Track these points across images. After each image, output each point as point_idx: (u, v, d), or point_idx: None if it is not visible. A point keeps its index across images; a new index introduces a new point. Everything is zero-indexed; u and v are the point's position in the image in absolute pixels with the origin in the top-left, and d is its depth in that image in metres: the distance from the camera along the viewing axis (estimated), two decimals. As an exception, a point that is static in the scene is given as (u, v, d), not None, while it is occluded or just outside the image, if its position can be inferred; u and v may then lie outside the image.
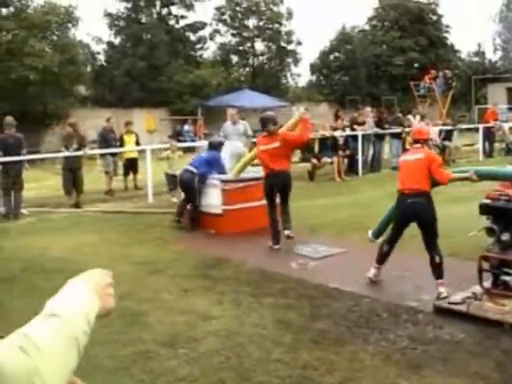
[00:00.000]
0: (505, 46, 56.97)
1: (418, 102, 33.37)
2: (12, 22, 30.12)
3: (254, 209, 12.02)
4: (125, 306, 7.77)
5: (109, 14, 41.07)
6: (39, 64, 28.97)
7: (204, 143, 17.72)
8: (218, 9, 46.21)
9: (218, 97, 36.25)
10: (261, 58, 47.68)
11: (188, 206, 12.77)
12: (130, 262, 9.94)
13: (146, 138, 24.79)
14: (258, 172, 11.82)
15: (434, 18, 52.48)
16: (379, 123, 22.57)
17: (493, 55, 58.12)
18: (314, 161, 20.08)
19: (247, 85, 41.66)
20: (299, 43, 47.29)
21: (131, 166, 18.99)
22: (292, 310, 7.52)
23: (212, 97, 36.98)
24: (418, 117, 24.19)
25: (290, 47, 47.22)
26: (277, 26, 46.49)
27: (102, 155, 18.87)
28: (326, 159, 20.12)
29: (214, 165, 12.81)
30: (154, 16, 41.91)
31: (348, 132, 21.67)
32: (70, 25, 33.28)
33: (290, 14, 46.69)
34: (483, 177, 8.53)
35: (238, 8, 46.22)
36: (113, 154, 18.56)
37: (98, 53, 41.84)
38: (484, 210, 7.82)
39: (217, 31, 46.40)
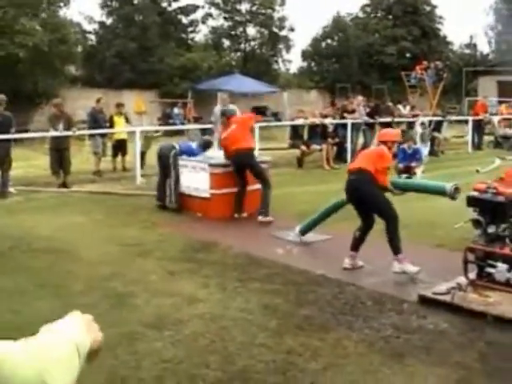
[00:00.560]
0: (497, 38, 57.00)
1: (409, 93, 33.35)
2: (2, -1, 29.90)
3: (242, 194, 12.11)
4: (111, 287, 7.81)
5: (101, -6, 40.86)
6: (29, 42, 28.73)
7: (193, 126, 17.76)
8: (210, -8, 46.04)
9: (209, 80, 36.14)
10: (252, 43, 47.50)
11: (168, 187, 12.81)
12: (117, 244, 9.95)
13: (136, 120, 24.67)
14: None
15: (428, 8, 52.43)
16: (373, 113, 22.57)
17: (484, 48, 58.26)
18: (303, 147, 20.10)
19: (238, 69, 41.55)
20: (292, 29, 47.15)
21: (120, 147, 18.94)
22: (278, 295, 7.55)
23: (202, 80, 36.86)
24: (407, 107, 24.24)
25: (283, 33, 47.06)
26: (269, 11, 46.29)
27: (92, 136, 18.82)
28: (315, 146, 20.14)
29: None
30: (147, -3, 41.71)
31: (338, 120, 21.67)
32: (61, 3, 33.06)
33: (283, 0, 46.56)
34: (404, 189, 8.84)
35: (230, -8, 46.08)
36: (102, 135, 18.53)
37: (90, 32, 41.59)
38: (471, 202, 7.87)
39: (209, 15, 46.15)
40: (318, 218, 10.15)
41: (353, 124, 21.46)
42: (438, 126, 24.25)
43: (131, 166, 17.77)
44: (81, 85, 38.29)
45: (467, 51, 57.71)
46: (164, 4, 42.77)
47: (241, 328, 6.50)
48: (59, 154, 15.85)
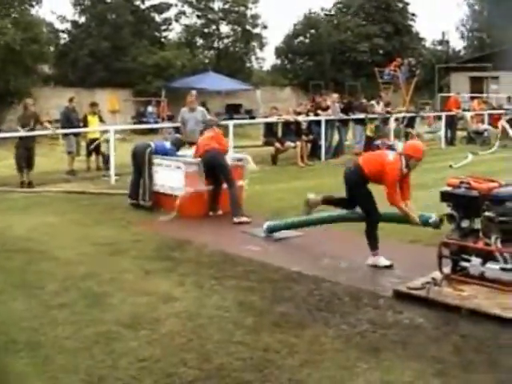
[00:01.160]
0: (469, 35, 57.37)
1: (382, 89, 33.41)
2: (-28, -3, 29.67)
3: (216, 192, 12.10)
4: (86, 287, 7.77)
5: (74, -7, 40.56)
6: (1, 41, 28.49)
7: (167, 125, 17.73)
8: (183, -10, 45.89)
9: (182, 79, 36.06)
10: (226, 40, 47.42)
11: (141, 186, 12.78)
12: (91, 243, 9.91)
13: (109, 119, 24.60)
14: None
15: (400, 5, 52.63)
16: (347, 110, 22.64)
17: (456, 44, 58.64)
18: (277, 145, 20.12)
19: (212, 67, 41.48)
20: (265, 27, 47.11)
21: (94, 146, 18.86)
22: (254, 292, 7.55)
23: (176, 78, 36.75)
24: (381, 103, 24.34)
25: (256, 31, 47.02)
26: (242, 8, 46.25)
27: (65, 135, 18.73)
28: (289, 143, 20.17)
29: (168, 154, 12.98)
30: (120, -4, 41.48)
31: (311, 117, 21.70)
32: (33, 2, 32.81)
33: (255, -3, 46.54)
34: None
35: (203, -10, 45.97)
36: (75, 134, 18.44)
37: (62, 31, 41.28)
38: (445, 197, 7.94)
39: (182, 13, 45.98)
40: (294, 224, 10.26)
41: (327, 121, 21.50)
42: (411, 122, 24.37)
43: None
44: (54, 84, 38.03)
45: (439, 48, 58.04)
46: (137, 2, 42.54)
47: (217, 326, 6.50)
48: (27, 153, 15.88)
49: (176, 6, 45.08)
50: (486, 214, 7.53)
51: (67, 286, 7.76)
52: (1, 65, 29.23)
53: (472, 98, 35.80)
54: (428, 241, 9.09)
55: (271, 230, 10.31)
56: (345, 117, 22.32)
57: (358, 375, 5.45)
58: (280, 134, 20.68)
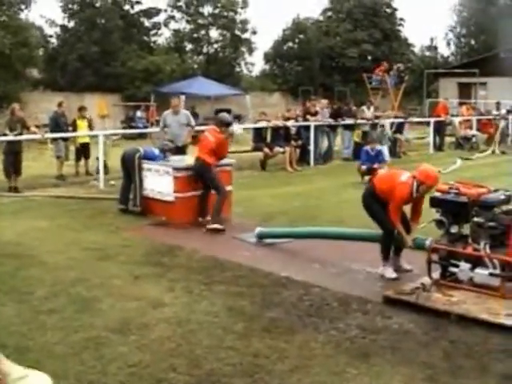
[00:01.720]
0: (457, 40, 57.53)
1: (371, 94, 33.54)
2: (-39, 1, 29.62)
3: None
4: (76, 292, 7.76)
5: (63, -3, 40.48)
6: (-10, 45, 28.54)
7: (156, 130, 17.67)
8: (173, -5, 45.90)
9: (172, 83, 36.05)
10: (215, 45, 47.42)
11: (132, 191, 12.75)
12: (81, 248, 9.89)
13: (98, 124, 24.48)
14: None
15: (389, 11, 52.76)
16: (336, 115, 22.67)
17: (444, 50, 58.74)
18: (266, 150, 20.12)
19: (201, 72, 41.48)
20: (254, 32, 47.17)
21: (83, 151, 18.83)
22: (243, 298, 7.56)
23: (165, 83, 36.74)
24: (371, 108, 24.39)
25: (245, 36, 47.07)
26: (232, 14, 46.30)
27: (54, 140, 18.68)
28: (278, 149, 20.17)
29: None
30: (109, 1, 41.38)
31: (300, 122, 21.71)
32: (22, 6, 32.76)
33: (245, 3, 46.52)
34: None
35: (193, -5, 45.98)
36: (64, 139, 18.41)
37: (51, 36, 41.22)
38: (434, 202, 7.97)
39: (171, 17, 46.00)
40: (281, 232, 10.34)
41: (316, 126, 21.51)
42: (399, 128, 24.43)
43: (94, 169, 17.64)
44: (43, 88, 37.94)
45: (428, 53, 58.18)
46: (126, 7, 42.53)
47: (207, 331, 6.50)
48: (14, 157, 15.84)
49: (165, 11, 45.18)
50: (475, 219, 7.57)
51: (56, 292, 7.74)
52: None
53: (460, 104, 35.94)
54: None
55: (261, 237, 10.35)
56: (334, 122, 22.34)
57: (348, 381, 5.47)
58: (269, 139, 20.67)
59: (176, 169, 12.15)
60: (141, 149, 12.94)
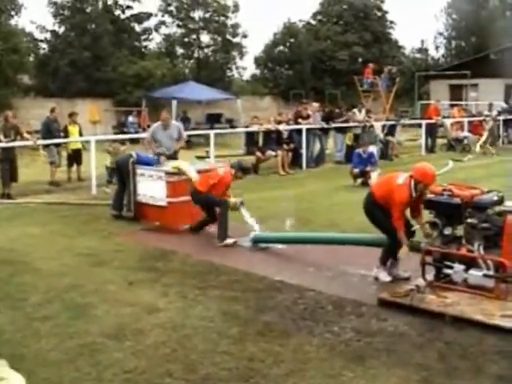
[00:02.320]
0: (447, 43, 57.65)
1: (362, 97, 33.61)
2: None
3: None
4: (70, 299, 7.74)
5: (53, 3, 40.35)
6: (-20, 51, 28.50)
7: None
8: (164, 0, 45.86)
9: (163, 88, 35.97)
10: (206, 50, 47.40)
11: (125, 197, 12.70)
12: (74, 254, 9.88)
13: (90, 129, 24.47)
14: (205, 165, 11.93)
15: (379, 13, 52.84)
16: (328, 118, 22.68)
17: (435, 52, 58.71)
18: (259, 154, 20.13)
19: (192, 77, 41.44)
20: (245, 36, 47.16)
21: (75, 156, 18.80)
22: (238, 302, 7.56)
23: (156, 88, 36.67)
24: (363, 111, 24.40)
25: (236, 40, 47.06)
26: (223, 18, 46.28)
27: (46, 146, 18.64)
28: (270, 152, 20.19)
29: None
30: (100, 6, 41.35)
31: (292, 126, 21.72)
32: (12, 12, 32.71)
33: (236, 7, 46.52)
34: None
35: (184, -1, 45.98)
36: (56, 145, 18.37)
37: (42, 41, 41.12)
38: (427, 204, 7.98)
39: (162, 22, 45.93)
40: (274, 238, 10.35)
41: (308, 130, 21.53)
42: (391, 130, 24.44)
43: (86, 175, 17.59)
44: (34, 94, 37.85)
45: (418, 55, 58.28)
46: (117, 12, 42.47)
47: (202, 336, 6.49)
48: (10, 164, 15.79)
49: (156, 15, 45.10)
50: (469, 220, 7.59)
51: (50, 298, 7.73)
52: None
53: (452, 106, 36.00)
54: (411, 248, 9.10)
55: (256, 241, 10.37)
56: (326, 125, 22.36)
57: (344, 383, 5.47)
58: (261, 143, 20.67)
59: (169, 173, 12.13)
60: (133, 154, 12.92)
